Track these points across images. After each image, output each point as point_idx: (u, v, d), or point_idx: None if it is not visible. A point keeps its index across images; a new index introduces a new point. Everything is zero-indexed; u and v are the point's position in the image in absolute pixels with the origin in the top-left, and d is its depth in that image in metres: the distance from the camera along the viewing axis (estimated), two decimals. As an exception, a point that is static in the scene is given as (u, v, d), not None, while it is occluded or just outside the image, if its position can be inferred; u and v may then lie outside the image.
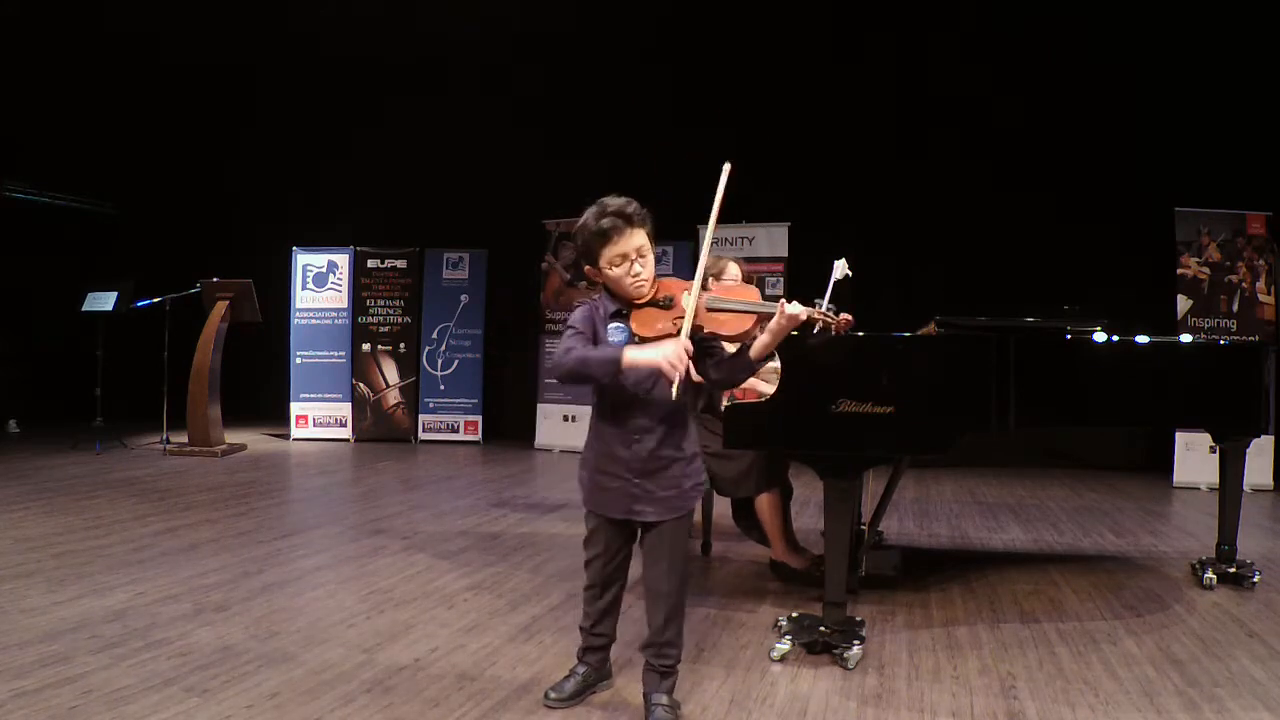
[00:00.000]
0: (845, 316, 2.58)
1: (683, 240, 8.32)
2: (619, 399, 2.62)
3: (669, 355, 2.41)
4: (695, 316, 2.51)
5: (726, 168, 2.61)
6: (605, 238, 2.55)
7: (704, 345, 2.60)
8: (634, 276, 2.57)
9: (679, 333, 2.48)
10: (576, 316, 2.65)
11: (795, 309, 2.53)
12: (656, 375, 2.51)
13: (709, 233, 2.66)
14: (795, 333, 3.32)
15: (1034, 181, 7.85)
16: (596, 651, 2.89)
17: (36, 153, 9.33)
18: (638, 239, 2.56)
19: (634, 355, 2.48)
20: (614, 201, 2.59)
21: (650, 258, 2.61)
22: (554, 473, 7.49)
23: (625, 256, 2.56)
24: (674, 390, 2.45)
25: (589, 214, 2.60)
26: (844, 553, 3.32)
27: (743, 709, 2.83)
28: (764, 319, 2.60)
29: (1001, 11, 7.94)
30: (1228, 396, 4.10)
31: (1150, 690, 3.00)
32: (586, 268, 2.65)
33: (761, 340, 2.59)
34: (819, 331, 2.58)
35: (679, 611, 2.71)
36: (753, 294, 2.71)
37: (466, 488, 6.76)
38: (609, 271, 2.58)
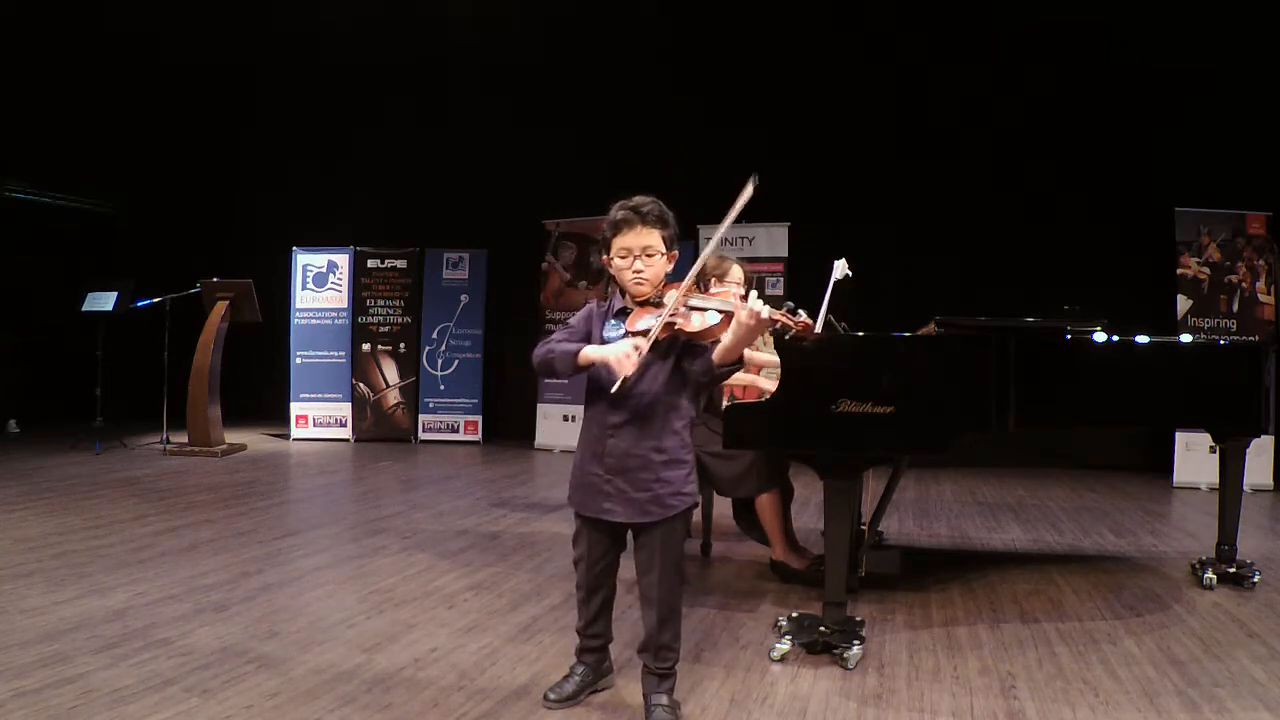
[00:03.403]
0: (804, 319, 2.49)
1: (685, 240, 8.29)
2: (599, 394, 2.63)
3: (617, 351, 2.48)
4: (674, 313, 2.50)
5: (752, 184, 2.51)
6: (616, 228, 2.61)
7: (689, 345, 2.59)
8: (635, 273, 2.59)
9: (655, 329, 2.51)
10: (578, 315, 2.76)
11: (755, 305, 2.39)
12: (608, 370, 2.52)
13: (716, 237, 2.61)
14: (788, 336, 3.30)
15: (1034, 181, 7.85)
16: (593, 652, 2.89)
17: (36, 153, 9.32)
18: (645, 238, 2.58)
19: (589, 351, 2.57)
20: (638, 199, 2.63)
21: (658, 260, 2.60)
22: (554, 473, 7.49)
23: (629, 251, 2.59)
24: (615, 386, 2.48)
25: (615, 205, 2.66)
26: (844, 553, 3.32)
27: (743, 709, 2.83)
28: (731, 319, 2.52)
29: (1002, 11, 7.94)
30: (1228, 396, 4.09)
31: (1150, 690, 3.00)
32: (603, 256, 2.69)
33: (724, 343, 2.47)
34: (780, 331, 2.48)
35: (673, 616, 2.69)
36: (726, 295, 2.69)
37: (466, 488, 6.76)
38: (615, 262, 2.63)
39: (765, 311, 2.35)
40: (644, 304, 2.61)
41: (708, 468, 4.15)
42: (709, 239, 9.09)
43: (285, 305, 9.31)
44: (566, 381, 8.57)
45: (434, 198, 9.48)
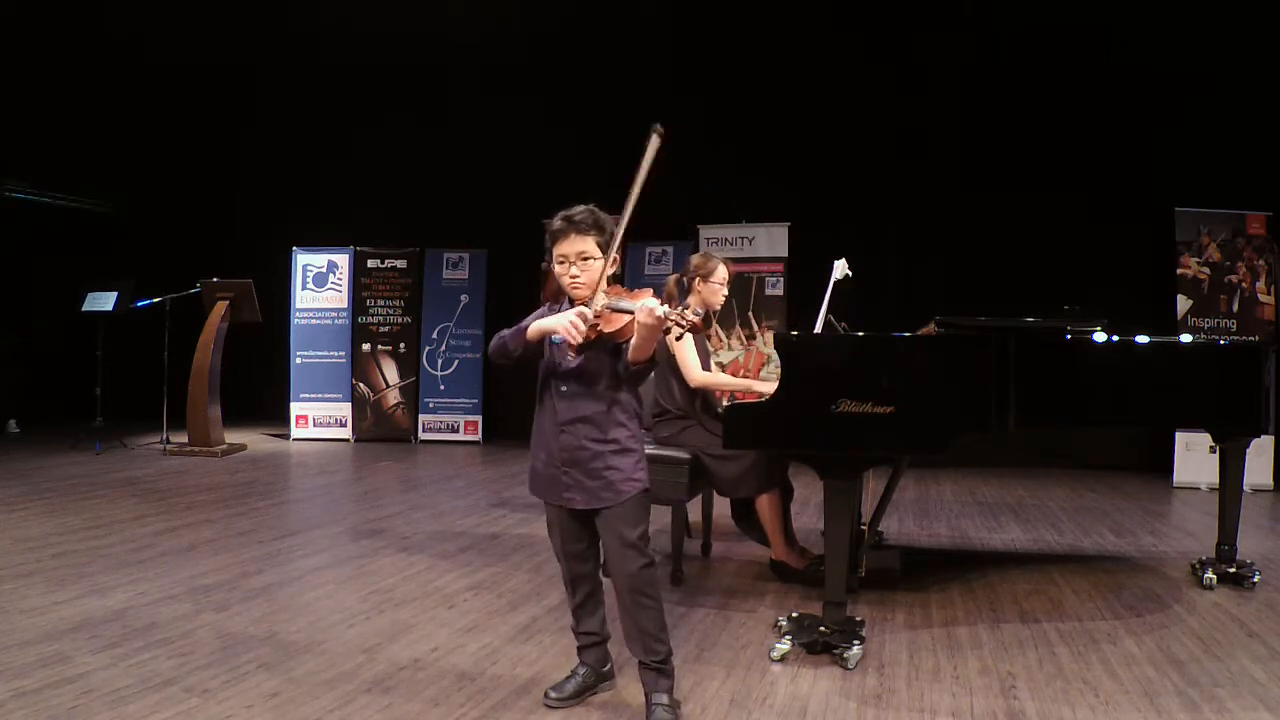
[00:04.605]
0: (693, 319, 2.48)
1: (684, 240, 8.33)
2: (551, 392, 2.76)
3: (563, 319, 2.58)
4: (598, 315, 2.57)
5: (655, 136, 2.64)
6: (553, 238, 2.72)
7: (616, 347, 2.66)
8: (571, 278, 2.68)
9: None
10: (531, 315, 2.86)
11: (649, 304, 2.45)
12: (562, 345, 2.63)
13: (629, 207, 2.66)
14: (795, 334, 3.30)
15: (1034, 182, 7.85)
16: (590, 650, 2.91)
17: (36, 153, 9.32)
18: (579, 245, 2.66)
19: (537, 324, 2.71)
20: (574, 208, 2.71)
21: (593, 265, 2.66)
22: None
23: (566, 258, 2.68)
24: (570, 353, 2.62)
25: (555, 216, 2.75)
26: (844, 553, 3.32)
27: (743, 709, 2.83)
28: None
29: (1002, 12, 7.94)
30: (1228, 396, 4.09)
31: (1150, 690, 3.00)
32: (547, 264, 2.79)
33: (633, 342, 2.56)
34: (671, 332, 2.48)
35: (647, 601, 2.70)
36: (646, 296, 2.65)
37: (466, 488, 6.76)
38: (556, 269, 2.73)
39: (660, 310, 2.43)
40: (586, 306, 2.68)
41: (708, 468, 4.15)
42: (709, 239, 9.08)
43: (285, 305, 9.31)
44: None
45: (434, 198, 9.47)
